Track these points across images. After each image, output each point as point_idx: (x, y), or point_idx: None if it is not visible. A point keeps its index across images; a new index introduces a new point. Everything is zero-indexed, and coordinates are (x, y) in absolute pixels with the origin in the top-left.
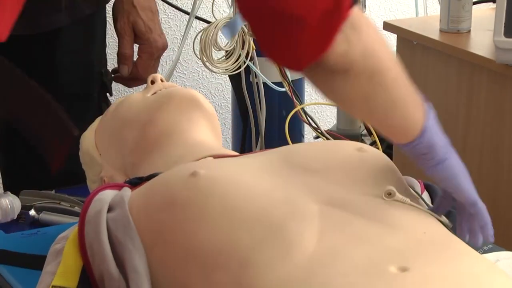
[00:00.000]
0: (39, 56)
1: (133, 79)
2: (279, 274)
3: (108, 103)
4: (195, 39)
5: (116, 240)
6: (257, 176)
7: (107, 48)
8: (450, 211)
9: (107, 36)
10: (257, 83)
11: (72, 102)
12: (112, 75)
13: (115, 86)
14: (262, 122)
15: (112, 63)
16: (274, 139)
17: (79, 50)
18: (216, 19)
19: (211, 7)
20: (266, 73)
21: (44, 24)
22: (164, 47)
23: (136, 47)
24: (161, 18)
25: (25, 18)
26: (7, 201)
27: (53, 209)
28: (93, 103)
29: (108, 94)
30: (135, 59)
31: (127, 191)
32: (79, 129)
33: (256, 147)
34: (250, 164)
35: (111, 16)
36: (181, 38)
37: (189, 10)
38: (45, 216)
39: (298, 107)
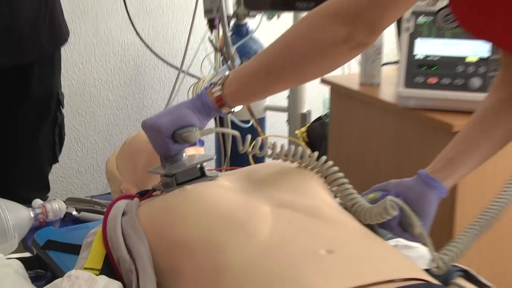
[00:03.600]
0: (16, 83)
1: None
2: (242, 255)
3: (61, 113)
4: (188, 91)
5: (127, 235)
6: (227, 188)
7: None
8: None
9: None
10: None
11: (40, 112)
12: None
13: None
14: (228, 149)
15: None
16: (246, 160)
17: (45, 79)
18: (204, 75)
19: (200, 65)
20: (237, 114)
21: (19, 59)
22: None
23: None
24: (159, 77)
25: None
26: (57, 205)
27: (89, 210)
28: (51, 112)
29: (61, 106)
30: None
31: (136, 201)
32: (41, 130)
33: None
34: (223, 180)
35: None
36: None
37: (178, 64)
38: (83, 215)
39: (262, 137)
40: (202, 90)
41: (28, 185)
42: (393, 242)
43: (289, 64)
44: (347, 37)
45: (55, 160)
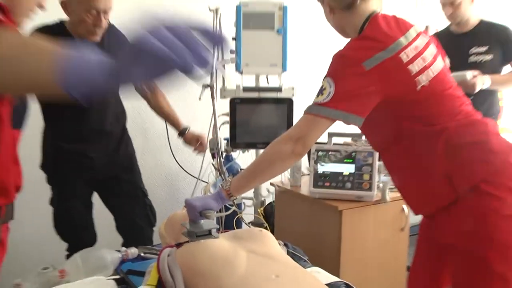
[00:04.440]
0: (115, 184)
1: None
2: (231, 280)
3: (147, 199)
4: (201, 190)
5: (170, 267)
6: (223, 241)
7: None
8: None
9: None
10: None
11: (132, 200)
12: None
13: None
14: (223, 221)
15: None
16: (232, 227)
17: (130, 180)
18: (209, 182)
19: (207, 176)
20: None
21: (114, 171)
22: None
23: None
24: (186, 182)
25: (104, 172)
26: (133, 250)
27: (150, 252)
28: (139, 200)
29: (146, 195)
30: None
31: (175, 249)
32: (135, 211)
33: (223, 228)
34: (221, 237)
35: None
36: (192, 193)
37: (197, 175)
38: (147, 255)
39: (239, 214)
40: (220, 189)
41: (139, 244)
42: (309, 269)
43: (263, 169)
44: (292, 151)
45: (152, 226)
